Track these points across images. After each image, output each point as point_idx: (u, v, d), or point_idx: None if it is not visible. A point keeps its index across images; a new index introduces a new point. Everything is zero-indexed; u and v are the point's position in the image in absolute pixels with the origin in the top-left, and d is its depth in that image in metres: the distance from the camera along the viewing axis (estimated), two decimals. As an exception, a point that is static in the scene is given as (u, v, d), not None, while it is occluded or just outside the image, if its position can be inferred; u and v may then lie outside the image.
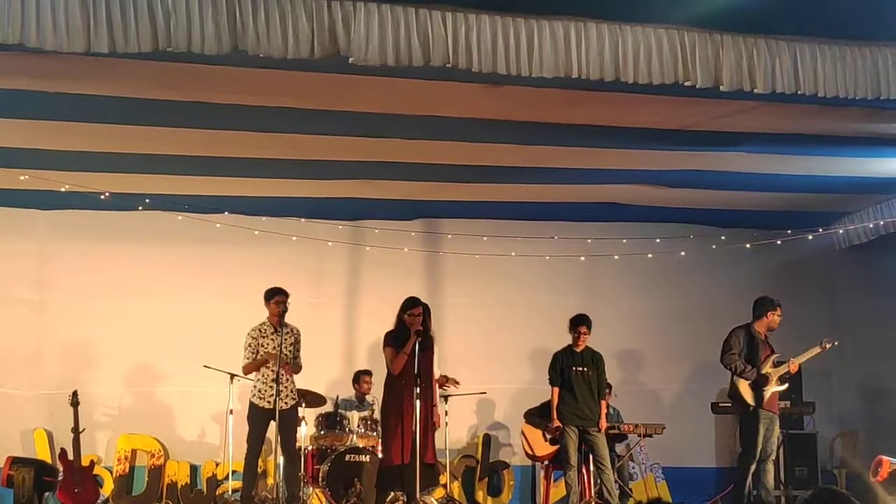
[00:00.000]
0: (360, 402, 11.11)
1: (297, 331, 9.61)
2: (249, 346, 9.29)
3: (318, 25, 6.55)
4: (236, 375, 10.18)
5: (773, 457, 9.65)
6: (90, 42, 6.29)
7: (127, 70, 7.38)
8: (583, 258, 11.87)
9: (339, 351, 12.01)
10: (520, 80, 7.19)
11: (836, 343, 9.64)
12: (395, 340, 9.15)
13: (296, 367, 9.43)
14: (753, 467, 9.51)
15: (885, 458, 9.54)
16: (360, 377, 11.21)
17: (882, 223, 11.37)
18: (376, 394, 10.31)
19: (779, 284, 11.54)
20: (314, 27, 6.55)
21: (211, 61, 6.93)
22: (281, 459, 9.51)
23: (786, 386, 9.64)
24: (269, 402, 9.17)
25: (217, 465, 11.21)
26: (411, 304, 9.23)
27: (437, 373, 10.35)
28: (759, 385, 9.49)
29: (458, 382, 10.04)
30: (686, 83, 7.26)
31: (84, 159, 9.68)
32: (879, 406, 12.08)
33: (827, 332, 10.11)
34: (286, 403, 9.13)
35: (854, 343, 11.56)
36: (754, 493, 9.66)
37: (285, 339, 9.34)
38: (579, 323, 9.96)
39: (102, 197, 10.43)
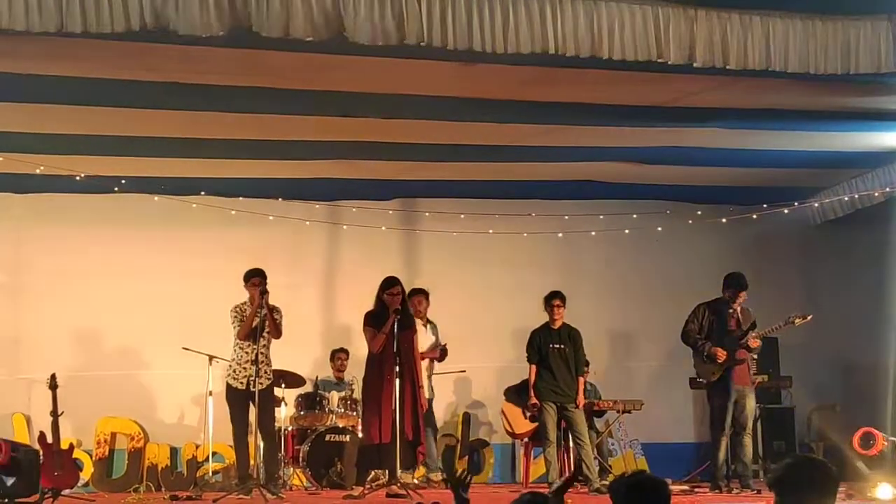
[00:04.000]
0: (338, 381, 11.13)
1: (277, 309, 9.49)
2: (235, 317, 9.28)
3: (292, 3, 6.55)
4: (215, 357, 10.17)
5: (749, 430, 9.69)
6: (63, 22, 6.27)
7: (101, 51, 7.34)
8: (560, 235, 11.89)
9: (317, 331, 12.00)
10: (495, 58, 7.20)
11: (808, 318, 9.64)
12: (374, 320, 9.16)
13: (277, 332, 9.35)
14: (725, 441, 9.57)
15: (876, 431, 9.57)
16: (336, 355, 11.25)
17: (857, 197, 11.43)
18: (356, 373, 10.34)
19: (755, 259, 11.62)
20: (289, 5, 6.54)
21: (186, 42, 6.91)
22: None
23: (743, 361, 9.61)
24: (241, 382, 9.18)
25: (197, 447, 11.19)
26: (390, 283, 9.24)
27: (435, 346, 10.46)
28: (713, 359, 9.56)
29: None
30: (660, 59, 7.29)
31: (58, 142, 9.64)
32: (856, 379, 12.18)
33: (803, 306, 10.16)
34: (262, 384, 9.11)
35: (830, 316, 11.64)
36: (732, 467, 9.72)
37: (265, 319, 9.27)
38: (553, 296, 9.98)
39: (78, 178, 10.37)
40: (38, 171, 10.19)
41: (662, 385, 12.14)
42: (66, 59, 7.61)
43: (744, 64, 7.35)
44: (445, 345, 10.68)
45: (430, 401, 10.51)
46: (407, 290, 9.47)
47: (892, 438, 9.71)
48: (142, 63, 7.78)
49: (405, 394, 8.92)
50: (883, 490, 8.40)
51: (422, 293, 10.71)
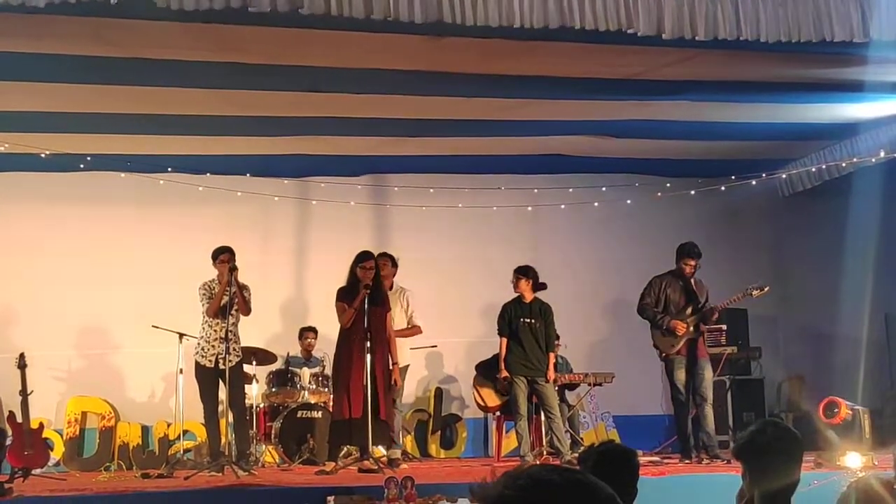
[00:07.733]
0: (307, 359, 11.11)
1: (245, 286, 9.47)
2: (204, 295, 9.24)
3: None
4: (185, 335, 10.12)
5: (710, 400, 9.73)
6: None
7: (63, 27, 7.26)
8: (529, 209, 11.89)
9: (288, 307, 11.98)
10: (463, 31, 7.17)
11: (765, 290, 9.65)
12: (346, 295, 9.12)
13: (246, 308, 9.31)
14: (686, 413, 9.63)
15: (839, 399, 9.64)
16: (304, 334, 11.23)
17: (825, 168, 11.48)
18: (327, 349, 10.30)
19: (724, 231, 11.67)
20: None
21: (150, 16, 6.84)
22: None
23: (701, 333, 9.64)
24: (210, 360, 9.16)
25: (168, 425, 11.15)
26: (364, 257, 9.19)
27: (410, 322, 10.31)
28: (670, 332, 9.61)
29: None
30: (629, 31, 7.27)
31: (22, 119, 9.54)
32: (824, 349, 12.25)
33: (770, 277, 10.21)
34: (231, 361, 9.08)
35: (798, 288, 11.72)
36: (700, 438, 9.77)
37: (234, 296, 9.24)
38: (515, 272, 9.96)
39: (43, 156, 10.27)
40: (1, 149, 10.08)
41: (633, 358, 12.14)
42: (28, 35, 7.52)
43: (714, 34, 7.34)
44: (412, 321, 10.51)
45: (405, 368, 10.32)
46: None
47: (858, 407, 9.79)
48: (105, 38, 7.70)
49: (376, 371, 8.91)
50: (851, 458, 8.47)
51: (385, 256, 10.20)
